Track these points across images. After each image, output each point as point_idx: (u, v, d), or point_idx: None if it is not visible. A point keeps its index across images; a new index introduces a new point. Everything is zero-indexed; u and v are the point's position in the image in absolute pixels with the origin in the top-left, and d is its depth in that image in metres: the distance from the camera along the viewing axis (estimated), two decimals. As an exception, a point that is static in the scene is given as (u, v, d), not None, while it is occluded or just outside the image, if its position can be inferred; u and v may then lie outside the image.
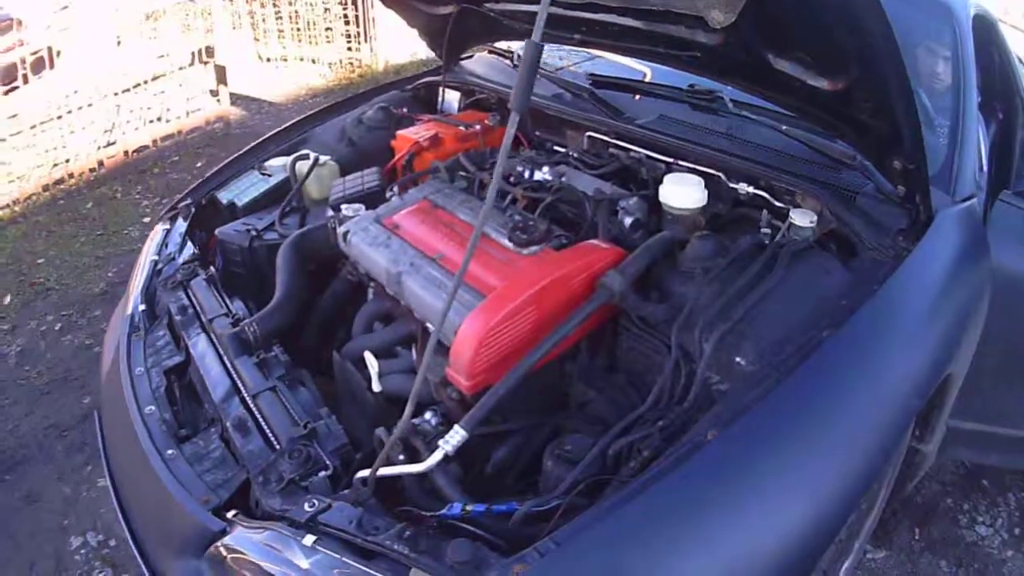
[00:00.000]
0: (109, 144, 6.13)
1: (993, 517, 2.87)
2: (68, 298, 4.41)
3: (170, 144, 6.42)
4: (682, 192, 1.82)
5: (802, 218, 1.78)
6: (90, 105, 6.02)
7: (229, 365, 1.80)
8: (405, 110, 2.89)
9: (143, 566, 1.69)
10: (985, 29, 2.87)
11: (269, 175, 2.63)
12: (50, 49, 6.27)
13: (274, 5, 9.30)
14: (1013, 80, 3.00)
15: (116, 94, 6.15)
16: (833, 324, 1.49)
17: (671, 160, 2.06)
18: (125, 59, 6.47)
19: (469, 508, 1.30)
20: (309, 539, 1.30)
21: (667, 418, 1.44)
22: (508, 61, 2.84)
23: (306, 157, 2.54)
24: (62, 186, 5.81)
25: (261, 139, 2.93)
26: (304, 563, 1.28)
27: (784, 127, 2.06)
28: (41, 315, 4.24)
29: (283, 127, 3.00)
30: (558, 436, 1.56)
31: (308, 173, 2.47)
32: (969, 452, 2.55)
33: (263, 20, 9.48)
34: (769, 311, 1.56)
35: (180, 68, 6.56)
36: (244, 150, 2.90)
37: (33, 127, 5.70)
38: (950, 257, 1.82)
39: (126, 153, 6.19)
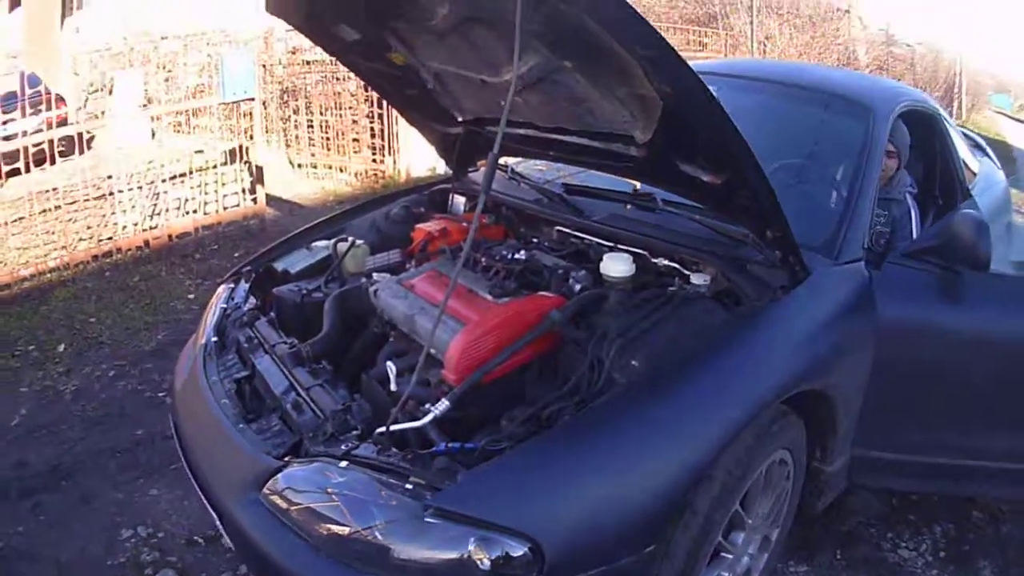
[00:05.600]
0: (153, 228, 6.70)
1: (917, 543, 3.10)
2: (120, 352, 4.79)
3: (210, 233, 6.96)
4: (615, 266, 2.45)
5: (699, 279, 2.46)
6: (138, 188, 6.62)
7: (287, 372, 2.46)
8: (422, 209, 3.52)
9: (209, 507, 2.28)
10: (925, 125, 3.50)
11: (314, 252, 3.27)
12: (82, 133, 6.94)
13: (307, 114, 10.05)
14: (954, 169, 3.60)
15: (164, 181, 6.75)
16: (707, 345, 2.21)
17: (612, 244, 2.69)
18: (160, 151, 7.05)
19: (449, 446, 1.98)
20: (343, 464, 1.98)
21: (581, 397, 2.12)
22: (504, 173, 3.35)
23: (345, 240, 3.16)
24: (109, 259, 6.33)
25: (308, 226, 3.52)
26: (339, 479, 1.95)
27: (698, 217, 2.63)
28: (95, 363, 4.62)
29: (326, 218, 3.62)
30: None
31: (347, 252, 3.09)
32: (883, 479, 2.87)
33: (295, 127, 10.21)
34: (660, 333, 2.23)
35: (217, 165, 7.14)
36: (293, 233, 3.47)
37: (74, 202, 6.28)
38: (822, 303, 2.44)
39: (170, 237, 6.73)
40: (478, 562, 1.76)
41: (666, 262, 2.60)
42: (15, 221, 6.08)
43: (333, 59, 8.17)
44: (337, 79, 9.81)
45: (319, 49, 4.42)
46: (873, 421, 2.67)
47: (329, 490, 1.94)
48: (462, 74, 2.77)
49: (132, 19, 13.01)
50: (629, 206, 2.89)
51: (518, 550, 1.77)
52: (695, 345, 2.22)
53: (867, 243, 2.66)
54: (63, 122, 6.83)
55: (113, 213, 6.57)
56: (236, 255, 6.48)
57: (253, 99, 7.53)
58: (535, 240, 3.08)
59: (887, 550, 3.07)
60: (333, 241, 3.23)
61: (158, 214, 6.84)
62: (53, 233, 6.22)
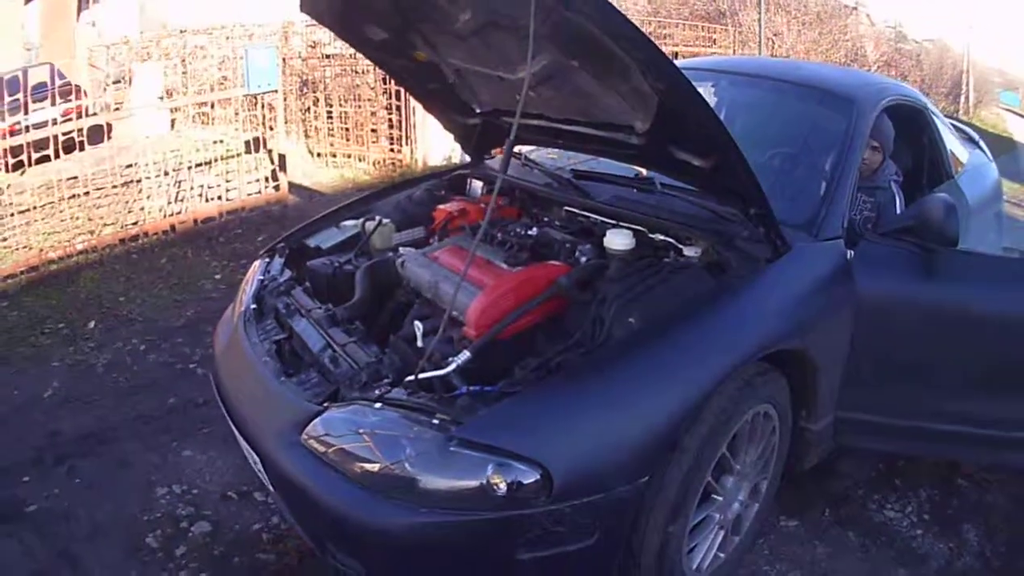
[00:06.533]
0: (178, 213, 6.94)
1: (903, 506, 3.24)
2: (151, 327, 4.98)
3: (234, 218, 7.19)
4: (617, 239, 2.70)
5: (691, 251, 2.73)
6: (164, 174, 6.90)
7: (324, 332, 2.70)
8: (443, 192, 3.77)
9: (251, 452, 2.52)
10: (912, 118, 3.75)
11: (344, 231, 3.50)
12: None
13: (327, 105, 10.31)
14: (940, 159, 3.88)
15: (188, 169, 7.04)
16: (695, 305, 2.49)
17: (615, 222, 2.93)
18: (180, 141, 7.33)
19: (470, 388, 2.24)
20: (377, 405, 2.24)
21: (586, 349, 2.37)
22: (518, 160, 3.57)
23: (373, 219, 3.39)
24: (136, 243, 6.56)
25: (336, 207, 3.74)
26: (373, 419, 2.22)
27: (692, 198, 2.87)
28: (126, 338, 4.80)
29: (354, 200, 3.87)
30: None
31: (374, 229, 3.33)
32: (866, 440, 3.02)
33: (315, 118, 10.44)
34: (655, 296, 2.47)
35: (240, 154, 7.43)
36: (323, 214, 3.69)
37: (101, 188, 6.55)
38: (800, 274, 2.71)
39: (195, 221, 6.97)
40: (495, 487, 2.02)
41: (662, 237, 2.86)
42: (41, 207, 6.32)
43: (353, 53, 8.47)
44: (356, 72, 10.04)
45: (339, 43, 4.62)
46: (855, 385, 2.87)
47: (362, 430, 2.20)
48: (481, 71, 3.05)
49: (149, 13, 13.26)
50: (635, 190, 3.13)
51: (531, 476, 2.03)
52: (685, 305, 2.49)
53: (846, 223, 2.90)
54: (81, 113, 7.04)
55: (137, 200, 6.81)
56: (260, 239, 6.68)
57: (276, 91, 7.75)
58: (546, 219, 3.33)
59: (873, 510, 3.23)
60: (361, 220, 3.46)
61: (182, 200, 7.09)
62: (79, 219, 6.46)
